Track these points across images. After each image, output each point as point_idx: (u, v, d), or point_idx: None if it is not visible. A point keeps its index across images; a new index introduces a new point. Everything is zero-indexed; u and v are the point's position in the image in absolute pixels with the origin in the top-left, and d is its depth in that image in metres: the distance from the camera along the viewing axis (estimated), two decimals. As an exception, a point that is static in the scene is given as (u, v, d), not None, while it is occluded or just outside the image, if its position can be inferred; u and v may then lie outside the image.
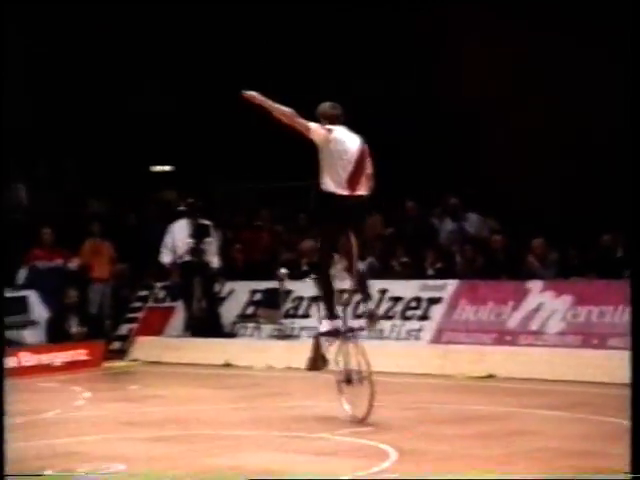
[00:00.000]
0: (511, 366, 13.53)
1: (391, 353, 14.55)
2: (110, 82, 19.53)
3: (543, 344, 13.88)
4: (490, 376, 13.64)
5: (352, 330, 10.04)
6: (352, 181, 9.65)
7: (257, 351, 15.72)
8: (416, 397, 12.13)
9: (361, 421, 9.85)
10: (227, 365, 15.55)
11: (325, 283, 10.01)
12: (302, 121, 9.50)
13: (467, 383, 13.34)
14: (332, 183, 9.61)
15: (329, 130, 9.62)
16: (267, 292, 16.69)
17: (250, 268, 17.38)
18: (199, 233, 16.55)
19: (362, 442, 9.14)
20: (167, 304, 17.19)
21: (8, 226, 18.08)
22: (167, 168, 21.30)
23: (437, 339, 14.78)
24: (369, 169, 9.79)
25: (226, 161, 19.50)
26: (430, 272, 15.84)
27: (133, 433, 10.04)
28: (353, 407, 10.05)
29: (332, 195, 9.61)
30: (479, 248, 15.88)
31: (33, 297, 16.91)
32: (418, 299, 15.20)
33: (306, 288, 16.20)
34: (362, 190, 9.70)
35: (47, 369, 15.55)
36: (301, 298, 16.29)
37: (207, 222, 16.79)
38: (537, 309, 14.13)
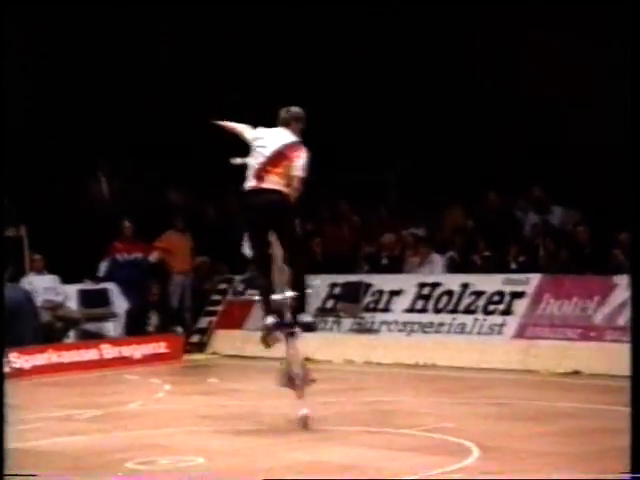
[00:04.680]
0: (597, 362, 13.24)
1: (473, 348, 14.38)
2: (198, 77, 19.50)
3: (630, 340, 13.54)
4: (575, 372, 13.38)
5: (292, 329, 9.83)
6: (260, 173, 9.39)
7: (336, 345, 15.61)
8: (499, 393, 11.93)
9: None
10: (306, 359, 15.39)
11: (261, 280, 9.75)
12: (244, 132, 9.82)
13: (551, 379, 13.09)
14: (247, 180, 9.51)
15: (255, 129, 9.74)
16: (347, 286, 16.57)
17: (330, 261, 17.27)
18: None
19: (445, 438, 8.99)
20: (247, 297, 17.15)
21: (90, 218, 18.28)
22: (247, 160, 21.28)
23: (520, 334, 14.52)
24: (299, 171, 9.39)
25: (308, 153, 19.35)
26: (513, 266, 15.58)
27: (213, 426, 10.00)
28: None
29: (243, 192, 9.49)
30: (563, 241, 15.58)
31: (114, 290, 17.01)
32: (501, 293, 14.95)
33: (386, 282, 16.05)
34: (271, 184, 9.39)
35: (127, 361, 15.62)
36: (381, 292, 16.13)
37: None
38: (624, 304, 13.79)
